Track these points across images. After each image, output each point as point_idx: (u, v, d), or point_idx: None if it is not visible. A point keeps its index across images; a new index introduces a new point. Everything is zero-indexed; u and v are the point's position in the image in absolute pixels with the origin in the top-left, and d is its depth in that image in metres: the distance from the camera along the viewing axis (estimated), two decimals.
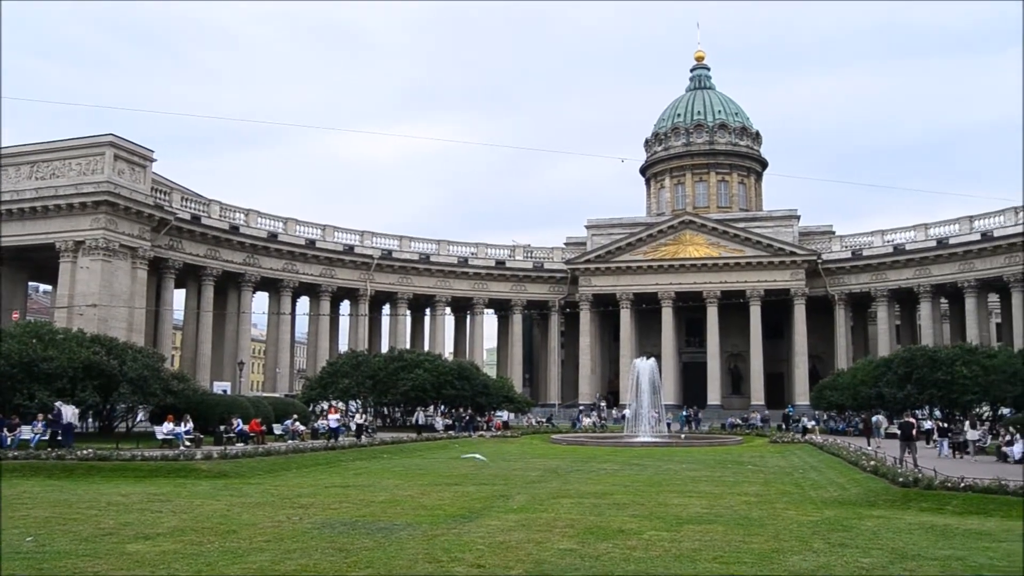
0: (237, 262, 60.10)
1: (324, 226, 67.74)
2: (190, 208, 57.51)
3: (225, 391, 51.62)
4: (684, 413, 61.37)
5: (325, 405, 52.80)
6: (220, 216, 59.67)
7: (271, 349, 66.69)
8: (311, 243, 65.70)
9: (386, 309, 74.11)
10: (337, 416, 39.18)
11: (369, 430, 45.04)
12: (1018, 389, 45.05)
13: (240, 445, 32.45)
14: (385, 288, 70.54)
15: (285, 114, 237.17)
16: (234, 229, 60.13)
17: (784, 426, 54.44)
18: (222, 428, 35.49)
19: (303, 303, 69.75)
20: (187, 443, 31.73)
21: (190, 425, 34.00)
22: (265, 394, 58.86)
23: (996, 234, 61.73)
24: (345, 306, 72.16)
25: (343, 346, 70.26)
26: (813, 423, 51.48)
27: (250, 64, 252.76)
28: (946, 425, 37.66)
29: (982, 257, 62.59)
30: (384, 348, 66.71)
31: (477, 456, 31.84)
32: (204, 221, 57.80)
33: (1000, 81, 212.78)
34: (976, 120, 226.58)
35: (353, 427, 45.10)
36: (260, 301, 66.42)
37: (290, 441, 34.92)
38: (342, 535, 13.97)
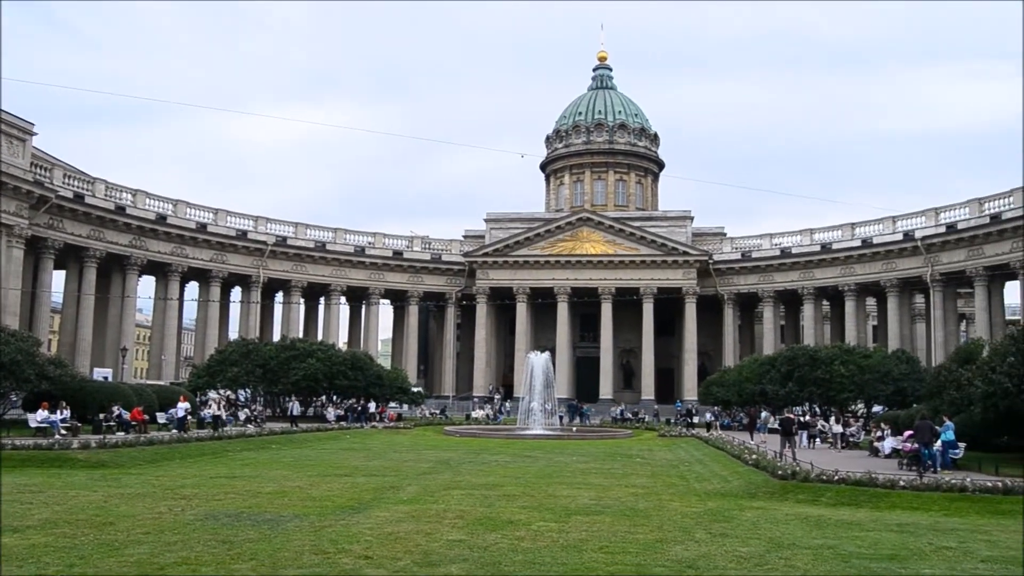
0: (123, 244, 57.70)
1: (216, 210, 65.79)
2: (73, 186, 54.86)
3: (106, 378, 49.56)
4: (570, 406, 62.30)
5: (212, 394, 51.40)
6: (105, 195, 57.14)
7: (157, 335, 64.38)
8: (202, 227, 63.71)
9: (279, 297, 72.56)
10: (186, 405, 36.71)
11: (258, 419, 44.13)
12: (890, 388, 47.51)
13: (121, 434, 31.27)
14: (279, 275, 69.04)
15: (176, 92, 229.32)
16: (120, 210, 57.70)
17: (688, 421, 55.10)
18: (102, 416, 34.12)
19: (192, 288, 67.57)
20: (63, 432, 30.42)
21: (67, 413, 32.55)
22: (150, 382, 56.81)
23: (875, 241, 64.80)
24: (236, 293, 70.29)
25: (233, 334, 68.39)
26: (712, 418, 52.75)
27: (139, 37, 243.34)
28: (806, 419, 39.47)
29: (862, 263, 65.60)
30: (276, 337, 65.21)
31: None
32: (88, 200, 55.21)
33: (883, 94, 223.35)
34: (859, 131, 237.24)
35: (242, 417, 44.13)
36: (146, 285, 64.09)
37: (174, 430, 33.82)
38: (226, 527, 13.66)
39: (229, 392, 51.97)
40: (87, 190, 55.86)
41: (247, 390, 53.85)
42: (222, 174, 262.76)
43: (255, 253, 66.85)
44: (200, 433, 33.63)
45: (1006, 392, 25.16)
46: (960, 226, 58.50)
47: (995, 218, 55.87)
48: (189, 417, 36.90)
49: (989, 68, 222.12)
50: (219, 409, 42.07)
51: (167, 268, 61.45)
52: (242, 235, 66.49)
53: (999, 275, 57.34)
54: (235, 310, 70.53)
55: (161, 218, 60.68)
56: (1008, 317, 62.54)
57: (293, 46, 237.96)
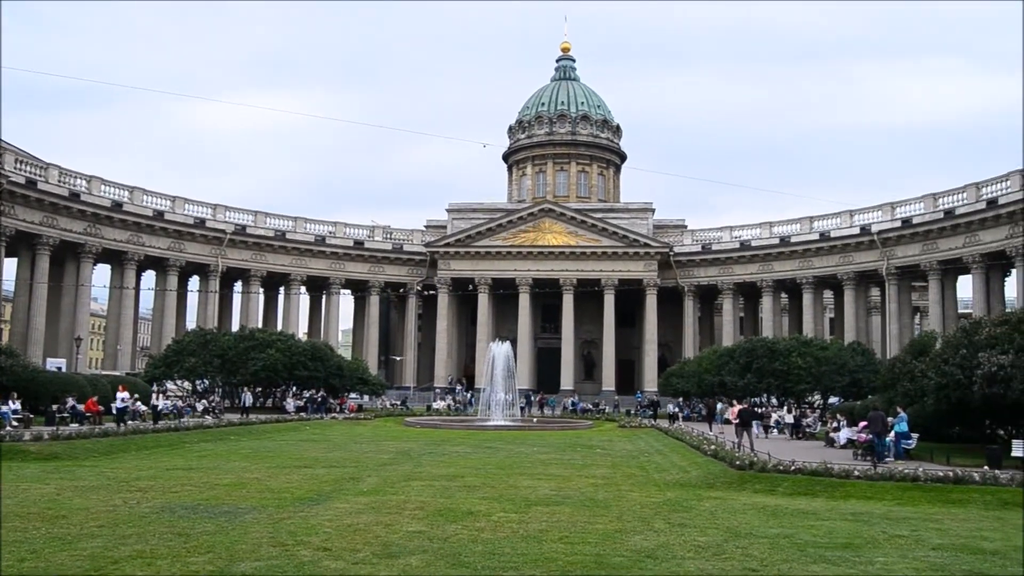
0: (77, 231, 56.54)
1: (174, 197, 64.75)
2: (25, 171, 53.59)
3: (60, 368, 48.62)
4: (529, 397, 62.28)
5: (169, 384, 50.72)
6: (59, 182, 55.93)
7: (112, 325, 63.30)
8: (159, 214, 62.66)
9: (238, 286, 71.66)
10: (125, 395, 34.99)
11: (216, 410, 43.68)
12: (846, 379, 48.29)
13: (74, 426, 30.72)
14: (238, 265, 68.20)
15: (134, 76, 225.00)
16: (74, 196, 56.52)
17: (653, 412, 55.24)
18: (55, 407, 33.51)
19: (149, 277, 66.49)
20: (14, 423, 29.83)
21: (18, 404, 31.93)
22: (105, 372, 55.89)
23: (832, 235, 65.72)
24: (194, 282, 69.26)
25: (191, 324, 67.45)
26: (675, 409, 53.16)
27: (97, 20, 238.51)
28: (760, 411, 40.06)
29: (819, 256, 66.50)
30: (235, 327, 64.45)
31: None
32: (40, 186, 53.97)
33: (843, 89, 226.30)
34: (819, 125, 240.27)
35: (199, 408, 43.65)
36: (101, 274, 62.92)
37: (130, 422, 33.30)
38: (182, 519, 13.51)
39: (186, 382, 51.37)
40: (40, 176, 54.63)
41: (205, 381, 53.16)
42: (180, 161, 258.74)
43: (213, 242, 65.96)
44: (156, 424, 33.15)
45: (958, 384, 25.70)
46: (915, 221, 59.56)
47: (949, 213, 56.95)
48: (144, 408, 36.36)
49: (946, 65, 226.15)
50: (163, 399, 41.43)
51: (123, 256, 60.38)
52: (200, 223, 65.54)
53: (952, 269, 58.49)
54: (193, 299, 69.55)
55: (117, 205, 59.59)
56: (960, 310, 63.77)
57: (255, 32, 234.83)
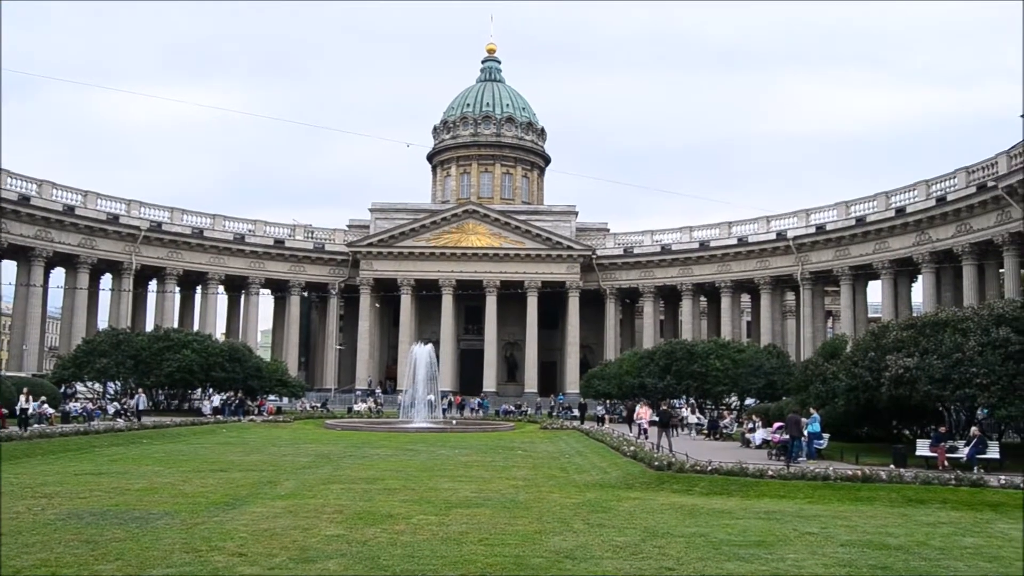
0: None
1: (86, 192, 62.56)
2: None
3: None
4: (446, 399, 61.41)
5: (79, 386, 49.01)
6: None
7: (18, 324, 60.82)
8: (69, 209, 60.44)
9: (153, 285, 69.65)
10: (30, 397, 33.30)
11: (127, 413, 42.39)
12: (762, 381, 49.49)
13: None
14: (153, 263, 66.31)
15: (41, 64, 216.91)
16: None
17: (580, 414, 55.39)
18: None
19: (58, 275, 64.11)
20: None
21: None
22: (9, 373, 53.64)
23: (750, 240, 67.39)
24: (107, 280, 67.08)
25: (103, 323, 65.29)
26: (603, 411, 53.46)
27: (4, 5, 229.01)
28: (661, 409, 40.72)
29: (738, 260, 68.11)
30: (150, 327, 62.65)
31: None
32: None
33: (761, 97, 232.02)
34: (738, 131, 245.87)
35: (111, 411, 42.33)
36: (7, 271, 60.42)
37: (36, 425, 32.04)
38: (91, 526, 13.06)
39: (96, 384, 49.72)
40: None
41: (117, 382, 51.51)
42: (93, 154, 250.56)
43: (127, 239, 63.98)
44: (64, 428, 31.97)
45: (867, 385, 26.60)
46: (828, 227, 61.50)
47: (860, 221, 58.95)
48: (52, 411, 35.04)
49: (859, 77, 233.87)
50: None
51: (30, 253, 58.09)
52: (113, 219, 63.50)
53: (863, 274, 60.62)
54: (105, 298, 67.33)
55: (24, 199, 57.28)
56: (870, 314, 66.09)
57: (172, 22, 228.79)
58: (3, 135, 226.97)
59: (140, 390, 47.36)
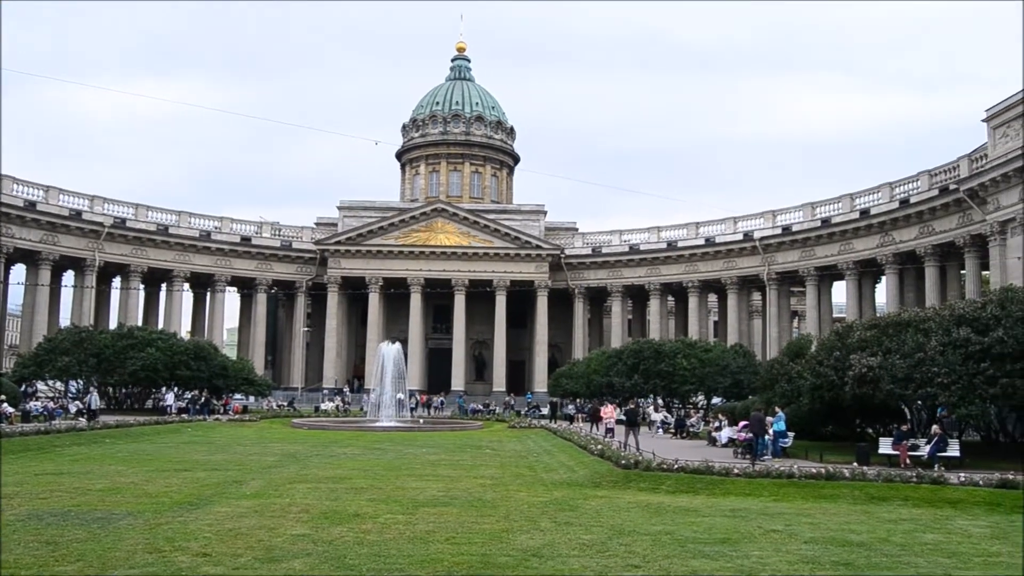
0: None
1: (47, 187, 61.51)
2: None
3: None
4: (414, 398, 61.13)
5: (40, 385, 48.23)
6: None
7: None
8: (31, 205, 59.39)
9: (117, 282, 68.70)
10: None
11: (85, 412, 41.72)
12: (728, 380, 49.94)
13: None
14: (117, 259, 65.37)
15: (5, 57, 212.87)
16: None
17: (553, 413, 55.33)
18: None
19: (18, 271, 62.95)
20: None
21: None
22: None
23: (717, 240, 67.93)
24: (69, 277, 66.02)
25: (65, 321, 64.26)
26: (574, 411, 53.47)
27: None
28: (628, 408, 41.02)
29: (705, 260, 68.62)
30: (113, 325, 61.77)
31: None
32: None
33: (732, 100, 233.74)
34: (707, 133, 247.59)
35: (72, 410, 41.68)
36: None
37: None
38: (51, 527, 12.87)
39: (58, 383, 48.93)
40: None
41: (79, 381, 50.74)
42: (55, 149, 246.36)
43: (90, 235, 63.00)
44: (24, 427, 31.47)
45: (831, 384, 26.92)
46: (795, 228, 62.17)
47: (825, 222, 59.66)
48: (11, 410, 34.48)
49: (826, 81, 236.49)
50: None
51: None
52: (76, 215, 62.50)
53: (828, 275, 61.36)
54: (67, 295, 66.26)
55: None
56: (835, 315, 66.96)
57: (137, 15, 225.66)
58: None
59: (92, 389, 46.41)
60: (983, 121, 44.33)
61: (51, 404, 42.87)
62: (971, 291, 47.10)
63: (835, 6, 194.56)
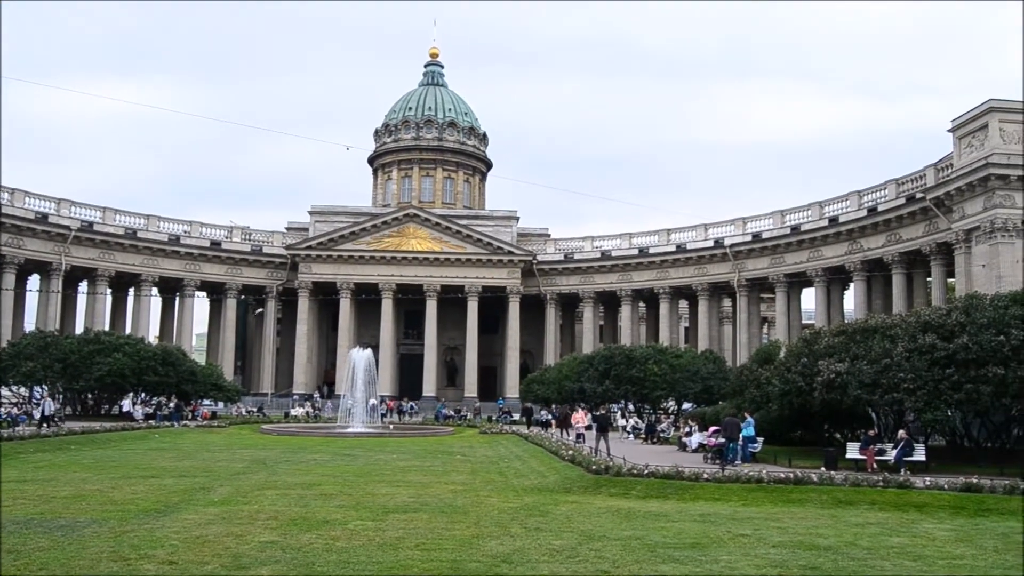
0: None
1: (13, 190, 60.57)
2: None
3: None
4: (383, 404, 60.46)
5: (4, 391, 47.44)
6: None
7: None
8: None
9: (83, 287, 67.77)
10: None
11: (55, 418, 41.08)
12: (699, 386, 50.19)
13: None
14: (83, 264, 64.50)
15: None
16: None
17: (527, 419, 55.00)
18: None
19: None
20: None
21: None
22: None
23: (688, 247, 68.38)
24: (35, 281, 65.05)
25: (30, 326, 63.33)
26: (549, 417, 53.36)
27: None
28: (598, 413, 41.18)
29: (676, 267, 69.06)
30: (79, 329, 60.93)
31: None
32: None
33: (702, 106, 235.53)
34: (678, 139, 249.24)
35: (36, 416, 40.92)
36: None
37: None
38: (13, 535, 12.66)
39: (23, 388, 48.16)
40: None
41: (44, 387, 49.96)
42: (20, 151, 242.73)
43: (56, 239, 62.13)
44: None
45: (800, 390, 27.16)
46: (764, 236, 62.72)
47: (795, 229, 60.28)
48: None
49: (794, 88, 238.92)
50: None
51: None
52: (42, 218, 61.62)
53: (797, 282, 61.96)
54: (32, 300, 65.26)
55: None
56: (804, 321, 67.55)
57: (103, 15, 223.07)
58: None
59: (45, 394, 45.40)
60: (949, 131, 45.04)
61: (15, 410, 42.13)
62: (937, 298, 47.73)
63: (804, 13, 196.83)
